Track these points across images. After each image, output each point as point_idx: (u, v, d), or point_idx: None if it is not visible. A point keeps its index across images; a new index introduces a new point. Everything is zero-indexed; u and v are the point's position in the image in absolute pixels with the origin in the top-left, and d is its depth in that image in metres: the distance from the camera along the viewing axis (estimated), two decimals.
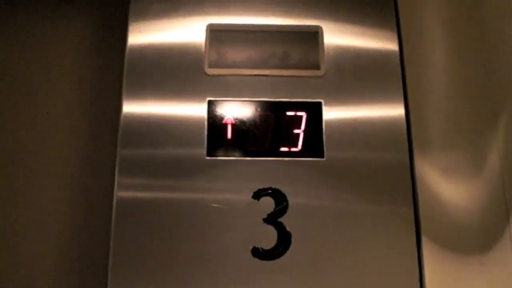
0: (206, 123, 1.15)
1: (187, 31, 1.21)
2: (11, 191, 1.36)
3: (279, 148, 1.15)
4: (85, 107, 1.42)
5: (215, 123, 1.15)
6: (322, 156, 1.14)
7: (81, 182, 1.37)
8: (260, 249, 1.08)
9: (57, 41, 1.46)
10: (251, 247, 1.08)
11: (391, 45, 1.22)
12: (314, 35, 1.21)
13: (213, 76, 1.18)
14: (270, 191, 1.11)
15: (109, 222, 1.10)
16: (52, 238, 1.33)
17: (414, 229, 1.11)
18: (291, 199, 1.11)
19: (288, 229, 1.09)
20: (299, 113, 1.16)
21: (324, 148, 1.14)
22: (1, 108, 1.42)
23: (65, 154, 1.39)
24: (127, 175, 1.12)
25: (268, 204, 1.11)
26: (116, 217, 1.10)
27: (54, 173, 1.37)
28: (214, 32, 1.21)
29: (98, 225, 1.31)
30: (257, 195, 1.11)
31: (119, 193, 1.11)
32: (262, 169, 1.13)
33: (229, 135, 1.15)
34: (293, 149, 1.15)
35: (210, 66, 1.19)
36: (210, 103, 1.17)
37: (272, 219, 1.10)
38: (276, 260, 1.08)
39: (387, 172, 1.14)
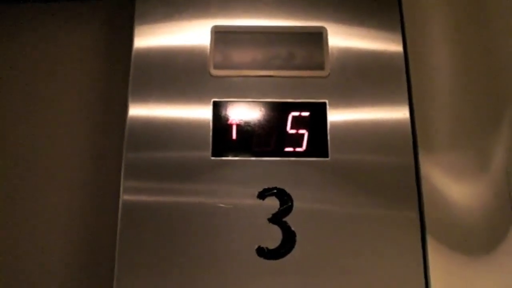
0: (211, 124, 1.16)
1: (192, 34, 1.22)
2: (17, 194, 1.36)
3: (284, 148, 1.15)
4: (91, 111, 1.42)
5: (220, 124, 1.16)
6: (326, 156, 1.14)
7: (87, 186, 1.37)
8: (265, 249, 1.08)
9: (63, 44, 1.47)
10: (256, 247, 1.08)
11: (396, 46, 1.22)
12: (319, 36, 1.22)
13: (218, 77, 1.19)
14: (275, 191, 1.11)
15: (115, 225, 1.10)
16: (58, 241, 1.33)
17: (419, 230, 1.11)
18: (295, 199, 1.11)
19: (292, 228, 1.09)
20: (303, 114, 1.17)
21: (329, 148, 1.15)
22: (8, 111, 1.43)
23: (71, 158, 1.39)
24: (133, 178, 1.13)
25: (273, 204, 1.11)
26: (122, 221, 1.10)
27: (60, 176, 1.37)
28: (218, 34, 1.22)
29: (104, 228, 1.30)
30: (262, 195, 1.11)
31: (125, 197, 1.12)
32: (267, 169, 1.13)
33: (234, 136, 1.15)
34: (298, 149, 1.15)
35: (215, 68, 1.19)
36: (215, 104, 1.17)
37: (277, 219, 1.10)
38: (281, 260, 1.08)
39: (392, 173, 1.14)
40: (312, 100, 1.18)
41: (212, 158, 1.14)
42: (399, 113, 1.18)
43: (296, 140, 1.15)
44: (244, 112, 1.17)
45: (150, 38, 1.22)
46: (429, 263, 1.09)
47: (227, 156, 1.14)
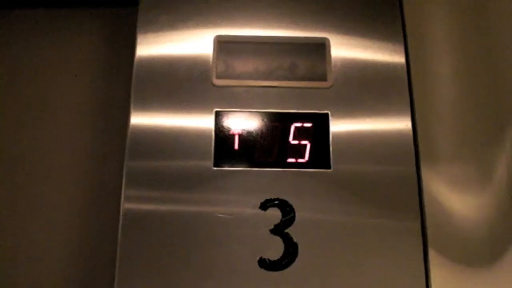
0: (213, 134, 1.15)
1: (194, 43, 1.22)
2: (18, 201, 1.36)
3: (286, 159, 1.15)
4: (93, 118, 1.42)
5: (222, 134, 1.16)
6: (329, 168, 1.14)
7: (88, 194, 1.37)
8: (267, 260, 1.08)
9: (65, 51, 1.47)
10: (258, 258, 1.08)
11: (398, 57, 1.22)
12: (322, 47, 1.22)
13: (221, 87, 1.19)
14: (277, 202, 1.11)
15: (116, 234, 1.10)
16: (58, 249, 1.33)
17: (421, 241, 1.11)
18: (298, 210, 1.11)
19: (295, 240, 1.09)
20: (306, 124, 1.16)
21: (331, 159, 1.14)
22: (8, 116, 1.43)
23: (72, 165, 1.39)
24: (134, 187, 1.12)
25: (275, 215, 1.11)
26: (123, 229, 1.10)
27: (61, 184, 1.38)
28: (221, 43, 1.22)
29: (105, 237, 1.30)
30: (264, 206, 1.11)
31: (126, 205, 1.11)
32: (269, 180, 1.13)
33: (236, 146, 1.15)
34: (300, 160, 1.15)
35: (218, 77, 1.19)
36: (218, 114, 1.17)
37: (279, 230, 1.10)
38: (283, 271, 1.07)
39: (394, 184, 1.14)
40: (314, 111, 1.18)
41: (214, 168, 1.13)
42: (401, 124, 1.18)
43: (299, 151, 1.15)
44: (246, 122, 1.17)
45: (152, 46, 1.22)
46: (430, 274, 1.09)
47: (229, 166, 1.14)
